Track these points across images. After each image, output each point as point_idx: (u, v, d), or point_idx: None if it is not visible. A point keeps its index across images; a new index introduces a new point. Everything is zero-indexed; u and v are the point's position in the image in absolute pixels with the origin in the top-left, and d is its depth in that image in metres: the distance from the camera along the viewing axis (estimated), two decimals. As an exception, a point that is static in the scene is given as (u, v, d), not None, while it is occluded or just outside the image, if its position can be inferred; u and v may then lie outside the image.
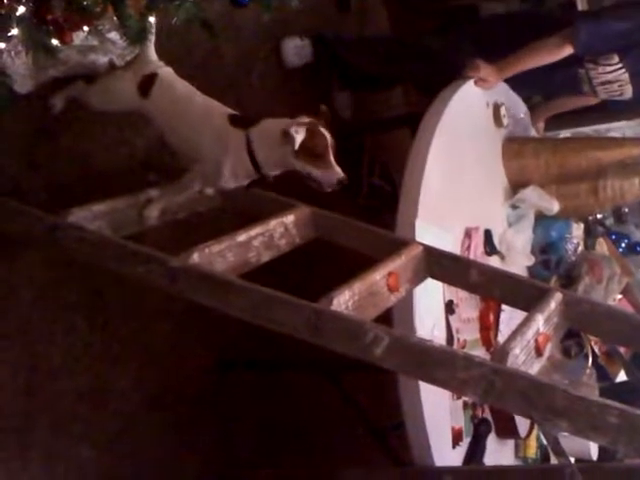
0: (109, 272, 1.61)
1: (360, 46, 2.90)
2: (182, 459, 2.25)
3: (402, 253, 1.64)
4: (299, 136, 1.58)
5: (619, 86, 2.42)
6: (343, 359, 2.13)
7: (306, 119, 1.64)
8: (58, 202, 1.70)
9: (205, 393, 2.33)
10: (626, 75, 2.38)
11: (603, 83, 2.43)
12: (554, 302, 1.48)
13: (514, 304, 1.63)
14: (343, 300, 1.40)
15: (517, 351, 1.30)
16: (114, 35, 1.94)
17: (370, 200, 3.18)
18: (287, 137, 1.58)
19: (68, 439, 1.92)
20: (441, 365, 1.26)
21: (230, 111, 1.75)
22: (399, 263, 1.61)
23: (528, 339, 1.35)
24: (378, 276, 1.52)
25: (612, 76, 2.40)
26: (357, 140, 3.10)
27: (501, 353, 1.28)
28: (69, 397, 1.95)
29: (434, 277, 1.70)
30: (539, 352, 1.37)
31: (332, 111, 3.09)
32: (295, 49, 2.85)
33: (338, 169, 1.62)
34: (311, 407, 2.54)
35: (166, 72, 1.81)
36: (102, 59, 1.95)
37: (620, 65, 2.36)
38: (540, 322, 1.40)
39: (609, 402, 1.17)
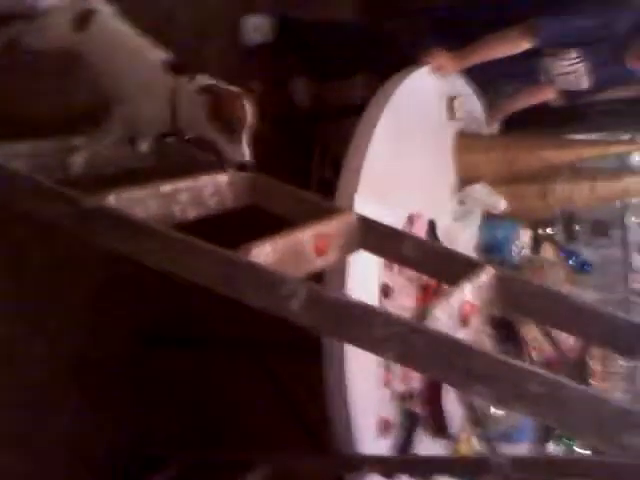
0: (32, 223, 1.52)
1: (320, 27, 2.85)
2: (98, 434, 2.14)
3: (334, 218, 1.56)
4: (201, 79, 1.55)
5: (575, 77, 2.43)
6: (272, 338, 2.09)
7: (235, 88, 1.57)
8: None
9: (127, 368, 2.23)
10: (583, 67, 2.38)
11: (561, 74, 2.44)
12: (485, 275, 1.41)
13: (447, 279, 1.55)
14: (263, 253, 1.31)
15: (439, 314, 1.22)
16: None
17: (320, 192, 3.11)
18: (190, 79, 1.53)
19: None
20: (359, 321, 1.17)
21: (167, 56, 1.67)
22: (330, 227, 1.53)
23: (452, 305, 1.27)
24: (305, 236, 1.44)
25: (569, 69, 2.40)
26: (311, 129, 3.05)
27: (422, 314, 1.20)
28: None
29: (367, 249, 1.62)
30: (464, 321, 1.30)
31: (288, 97, 3.09)
32: (256, 26, 2.80)
33: (246, 150, 1.55)
34: (237, 389, 2.45)
35: (105, 10, 1.74)
36: (45, 2, 1.87)
37: (579, 59, 2.36)
38: (467, 289, 1.32)
39: (535, 369, 1.10)
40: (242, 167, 1.56)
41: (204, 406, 2.43)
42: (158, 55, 1.66)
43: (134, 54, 1.67)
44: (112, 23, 1.73)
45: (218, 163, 1.59)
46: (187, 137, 1.68)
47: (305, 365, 1.99)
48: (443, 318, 1.23)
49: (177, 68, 1.64)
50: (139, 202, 1.46)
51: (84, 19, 1.70)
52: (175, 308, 2.32)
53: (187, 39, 2.52)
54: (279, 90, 2.97)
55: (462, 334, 1.29)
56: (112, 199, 1.39)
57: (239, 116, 1.54)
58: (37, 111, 1.96)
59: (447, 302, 1.26)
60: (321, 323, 1.23)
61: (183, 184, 1.59)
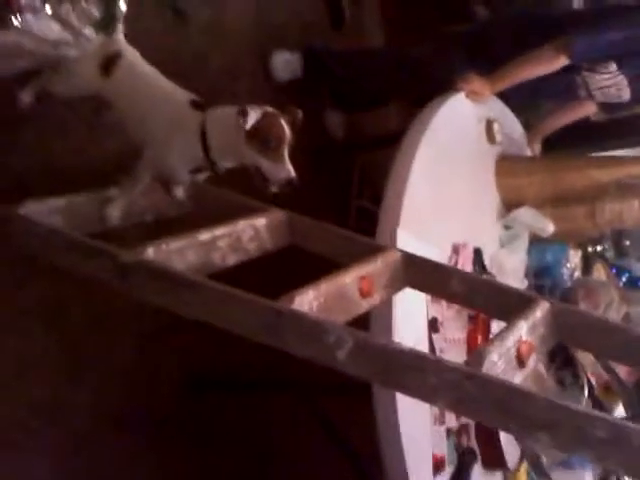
0: (73, 280, 1.49)
1: (348, 57, 2.81)
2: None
3: (378, 258, 1.51)
4: (253, 114, 1.45)
5: (617, 90, 2.36)
6: (322, 381, 2.03)
7: (268, 108, 1.53)
8: (11, 195, 1.59)
9: (173, 415, 2.16)
10: (624, 79, 2.31)
11: (601, 88, 2.37)
12: (540, 310, 1.35)
13: (497, 314, 1.49)
14: (307, 300, 1.27)
15: (495, 357, 1.16)
16: (88, 31, 1.87)
17: (359, 223, 3.07)
18: (241, 116, 1.45)
19: (17, 452, 1.78)
20: (410, 370, 1.12)
21: (193, 96, 1.65)
22: (374, 268, 1.48)
23: (508, 346, 1.21)
24: (349, 279, 1.39)
25: (610, 82, 2.33)
26: (347, 161, 3.01)
27: (476, 359, 1.14)
28: (21, 410, 1.81)
29: (412, 286, 1.57)
30: (521, 362, 1.24)
31: (323, 130, 3.05)
32: (284, 63, 2.78)
33: (290, 166, 1.48)
34: (288, 430, 2.39)
35: (131, 53, 1.74)
36: (74, 53, 1.88)
37: (618, 72, 2.29)
38: (523, 329, 1.26)
39: (597, 413, 1.03)
40: (288, 184, 1.50)
41: (254, 450, 2.38)
42: (184, 95, 1.65)
43: (161, 95, 1.66)
44: (137, 66, 1.73)
45: (262, 185, 1.52)
46: (221, 169, 1.63)
47: (356, 405, 1.94)
48: (499, 362, 1.17)
49: (204, 107, 1.62)
50: (178, 252, 1.43)
51: (110, 63, 1.70)
52: (221, 353, 2.28)
53: (217, 79, 2.51)
54: (313, 123, 2.94)
55: (520, 376, 1.23)
56: (151, 252, 1.36)
57: (278, 133, 1.49)
58: (70, 163, 1.96)
59: (502, 344, 1.20)
60: (369, 372, 1.18)
61: (221, 231, 1.56)
